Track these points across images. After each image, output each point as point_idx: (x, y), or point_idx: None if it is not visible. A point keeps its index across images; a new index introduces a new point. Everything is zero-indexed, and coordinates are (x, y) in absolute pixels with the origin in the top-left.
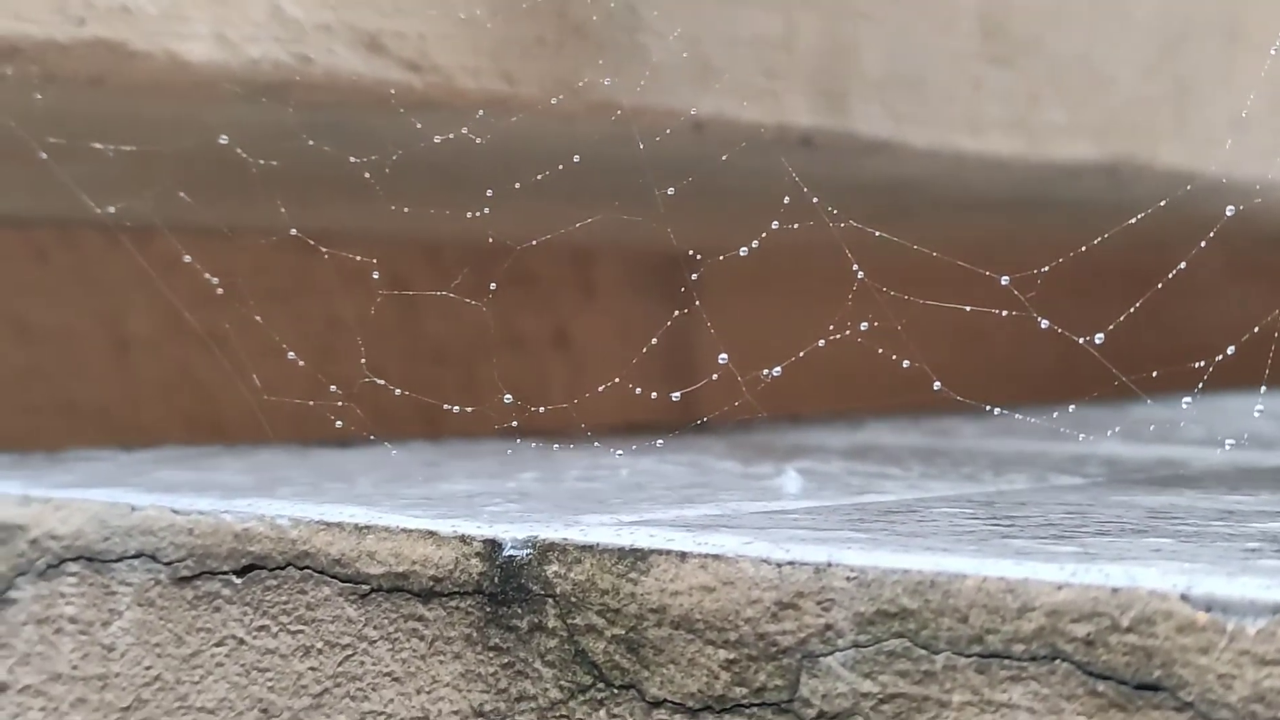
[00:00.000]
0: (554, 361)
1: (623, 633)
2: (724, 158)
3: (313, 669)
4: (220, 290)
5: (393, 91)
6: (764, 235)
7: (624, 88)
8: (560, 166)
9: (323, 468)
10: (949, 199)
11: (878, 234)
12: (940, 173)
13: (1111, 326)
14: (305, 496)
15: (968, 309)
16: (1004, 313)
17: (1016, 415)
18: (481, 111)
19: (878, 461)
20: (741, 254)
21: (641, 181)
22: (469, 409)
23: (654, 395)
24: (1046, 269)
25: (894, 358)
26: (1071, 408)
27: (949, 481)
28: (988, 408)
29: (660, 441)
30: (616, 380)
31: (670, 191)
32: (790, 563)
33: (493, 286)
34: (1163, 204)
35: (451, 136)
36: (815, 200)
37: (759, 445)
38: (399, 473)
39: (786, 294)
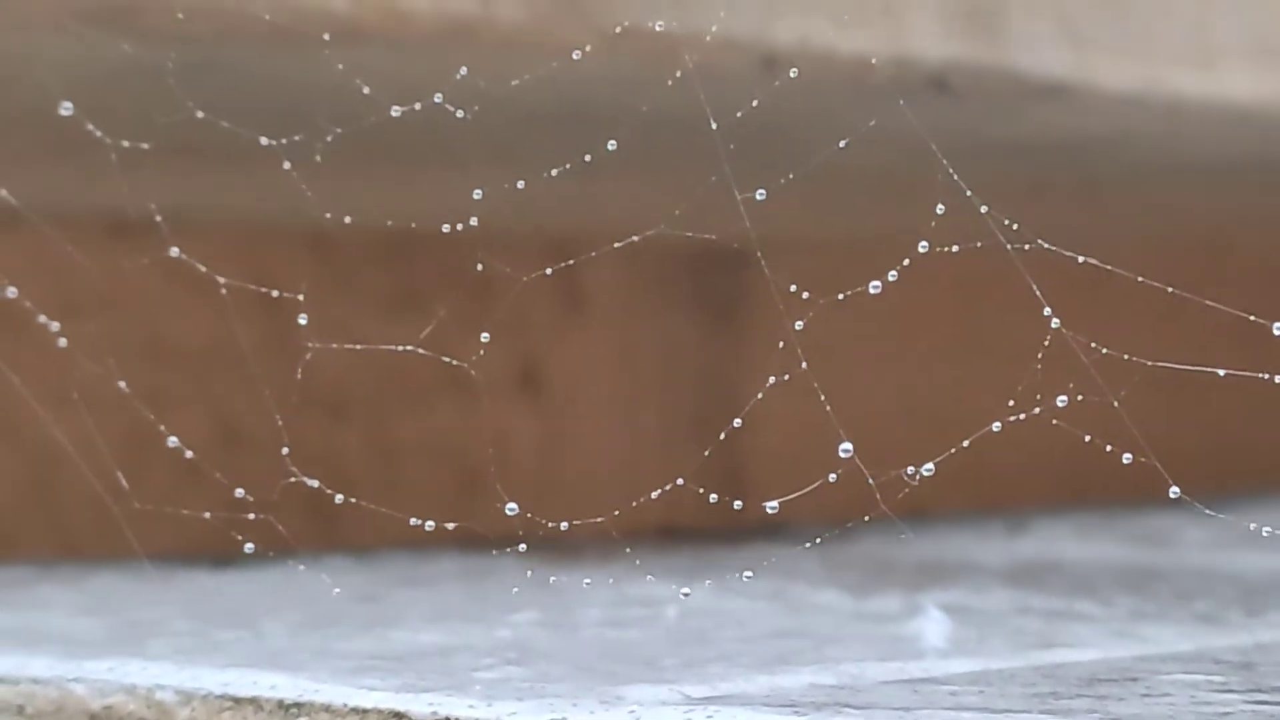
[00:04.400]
0: (518, 413)
1: None
2: (841, 144)
3: None
4: (62, 342)
5: (326, 37)
6: (906, 263)
7: (683, 32)
8: (586, 158)
9: (201, 602)
10: (1162, 168)
11: (1081, 260)
12: (1148, 129)
13: None
14: (192, 654)
15: (1221, 373)
16: (1275, 378)
17: None
18: (465, 70)
19: (1061, 590)
20: (873, 290)
21: (713, 178)
22: (449, 525)
23: (712, 498)
24: None
25: (1109, 449)
26: None
27: (1177, 625)
28: (1250, 526)
29: (748, 574)
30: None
31: (760, 195)
32: None
33: (484, 338)
34: None
35: (418, 108)
36: (985, 209)
37: (873, 563)
38: (322, 612)
39: (914, 338)
